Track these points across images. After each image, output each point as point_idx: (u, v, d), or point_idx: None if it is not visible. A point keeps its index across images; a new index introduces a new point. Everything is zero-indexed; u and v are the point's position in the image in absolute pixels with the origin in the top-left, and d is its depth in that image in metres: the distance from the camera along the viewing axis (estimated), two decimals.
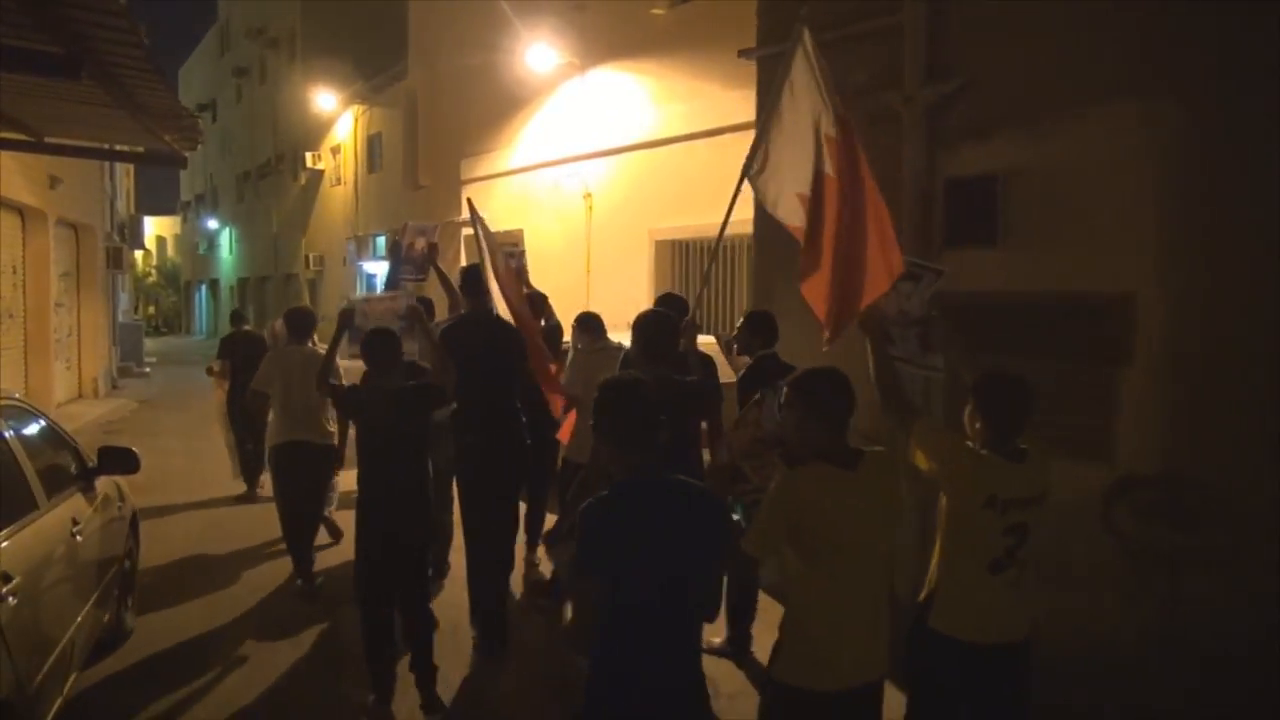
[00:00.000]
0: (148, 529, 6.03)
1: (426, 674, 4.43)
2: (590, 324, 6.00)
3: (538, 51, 12.75)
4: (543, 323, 6.25)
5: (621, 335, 5.34)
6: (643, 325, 4.17)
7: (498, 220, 14.54)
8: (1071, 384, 4.62)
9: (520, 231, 13.65)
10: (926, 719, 3.12)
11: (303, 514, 6.27)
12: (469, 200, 6.85)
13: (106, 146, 8.80)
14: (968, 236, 5.07)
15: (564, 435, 5.78)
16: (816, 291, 3.91)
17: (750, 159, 4.32)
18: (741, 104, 10.51)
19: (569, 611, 2.59)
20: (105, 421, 14.16)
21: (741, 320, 5.21)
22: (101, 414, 14.63)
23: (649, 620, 2.44)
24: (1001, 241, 4.92)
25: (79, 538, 4.11)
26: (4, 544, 3.35)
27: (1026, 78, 4.82)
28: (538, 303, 6.33)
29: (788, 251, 6.26)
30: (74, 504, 4.29)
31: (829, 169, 3.92)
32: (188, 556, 7.03)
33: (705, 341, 5.03)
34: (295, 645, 5.28)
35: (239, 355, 8.68)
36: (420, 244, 6.42)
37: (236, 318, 9.84)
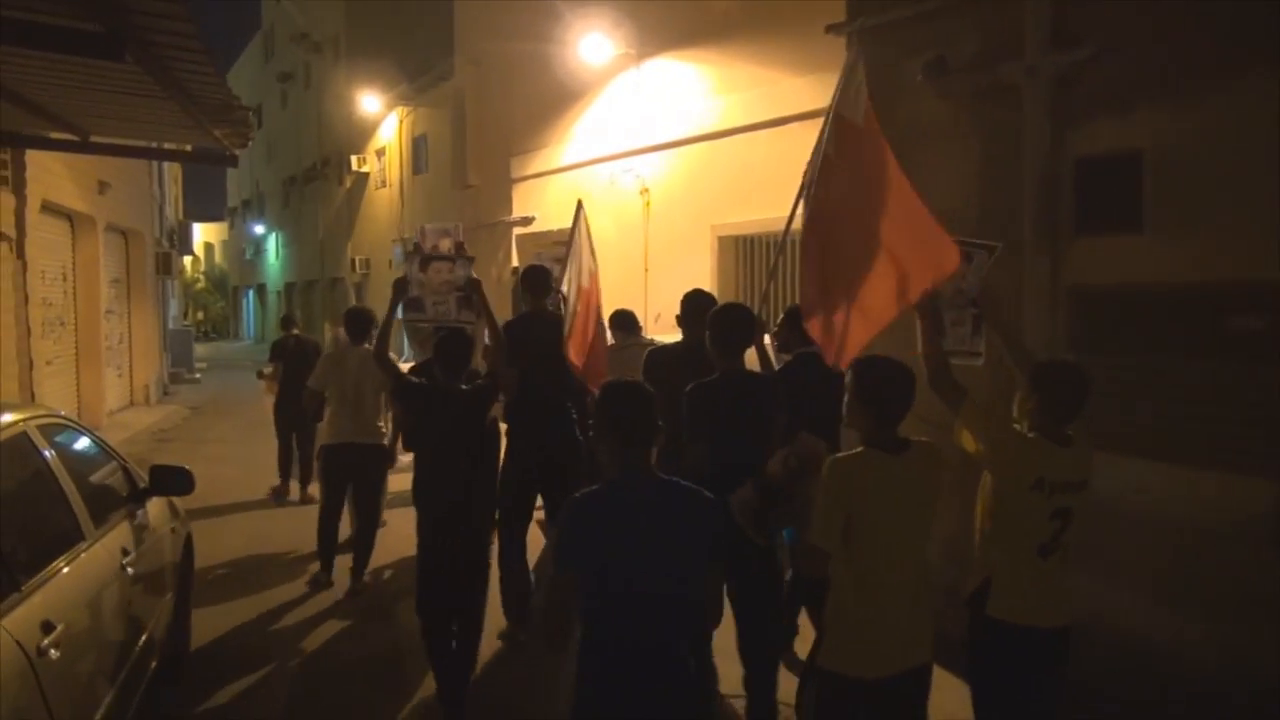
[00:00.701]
0: (198, 533, 5.89)
1: (463, 679, 4.36)
2: (625, 321, 6.08)
3: (591, 43, 12.29)
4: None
5: (677, 334, 5.18)
6: (717, 319, 4.06)
7: (550, 218, 14.15)
8: (1233, 386, 4.06)
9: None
10: (997, 708, 3.08)
11: (362, 515, 6.42)
12: (579, 202, 6.36)
13: (154, 145, 8.50)
14: (1105, 222, 4.52)
15: None
16: (814, 308, 3.96)
17: (812, 164, 4.31)
18: (807, 91, 9.97)
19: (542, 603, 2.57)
20: (157, 429, 13.98)
21: (783, 315, 5.08)
22: (154, 421, 14.47)
23: (634, 620, 2.41)
24: (1147, 227, 4.35)
25: (130, 570, 3.72)
26: (46, 585, 2.95)
27: (1171, 43, 4.26)
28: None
29: None
30: (123, 531, 3.90)
31: (831, 149, 3.97)
32: (238, 558, 7.09)
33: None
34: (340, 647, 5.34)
35: (289, 359, 8.84)
36: (446, 244, 5.80)
37: (287, 322, 9.89)
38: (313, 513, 6.75)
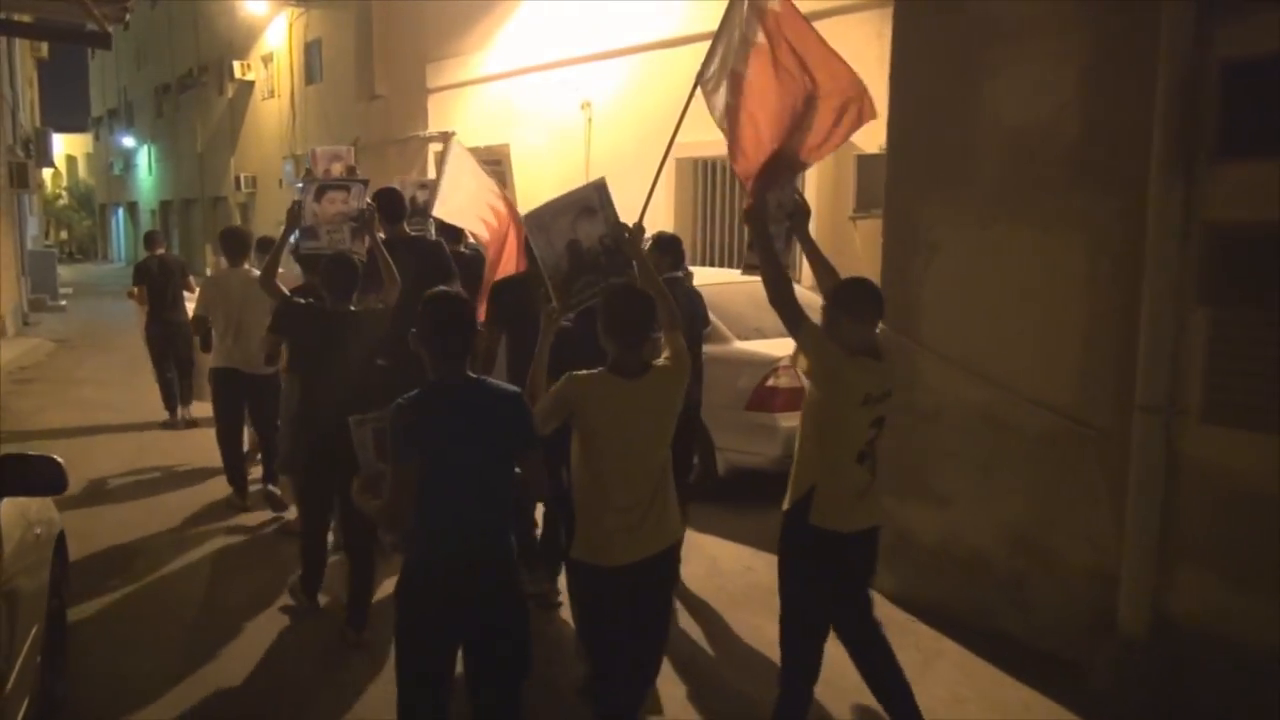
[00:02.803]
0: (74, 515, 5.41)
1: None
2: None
3: None
4: (463, 248, 6.22)
5: None
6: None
7: (475, 135, 12.69)
8: None
9: (505, 148, 11.85)
10: (799, 606, 3.29)
11: (261, 434, 6.50)
12: (451, 135, 5.77)
13: (2, 16, 6.70)
14: (1255, 143, 3.61)
15: None
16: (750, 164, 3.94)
17: (704, 67, 4.16)
18: None
19: (384, 494, 2.82)
20: (16, 368, 12.15)
21: (650, 240, 4.88)
22: (12, 358, 12.58)
23: (456, 497, 2.76)
24: None
25: None
26: None
27: None
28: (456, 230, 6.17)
29: (946, 173, 4.79)
30: None
31: (759, 37, 3.92)
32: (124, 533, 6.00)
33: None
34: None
35: (154, 280, 8.65)
36: (339, 168, 5.69)
37: (149, 240, 9.56)
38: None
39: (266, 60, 24.63)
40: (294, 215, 4.90)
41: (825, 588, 3.26)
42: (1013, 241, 4.43)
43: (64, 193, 45.28)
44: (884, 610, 3.89)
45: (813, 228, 8.38)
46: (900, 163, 5.10)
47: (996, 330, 4.55)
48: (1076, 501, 4.19)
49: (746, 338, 6.57)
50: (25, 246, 19.19)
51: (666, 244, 5.19)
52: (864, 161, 7.71)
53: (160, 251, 9.11)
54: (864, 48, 8.14)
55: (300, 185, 5.56)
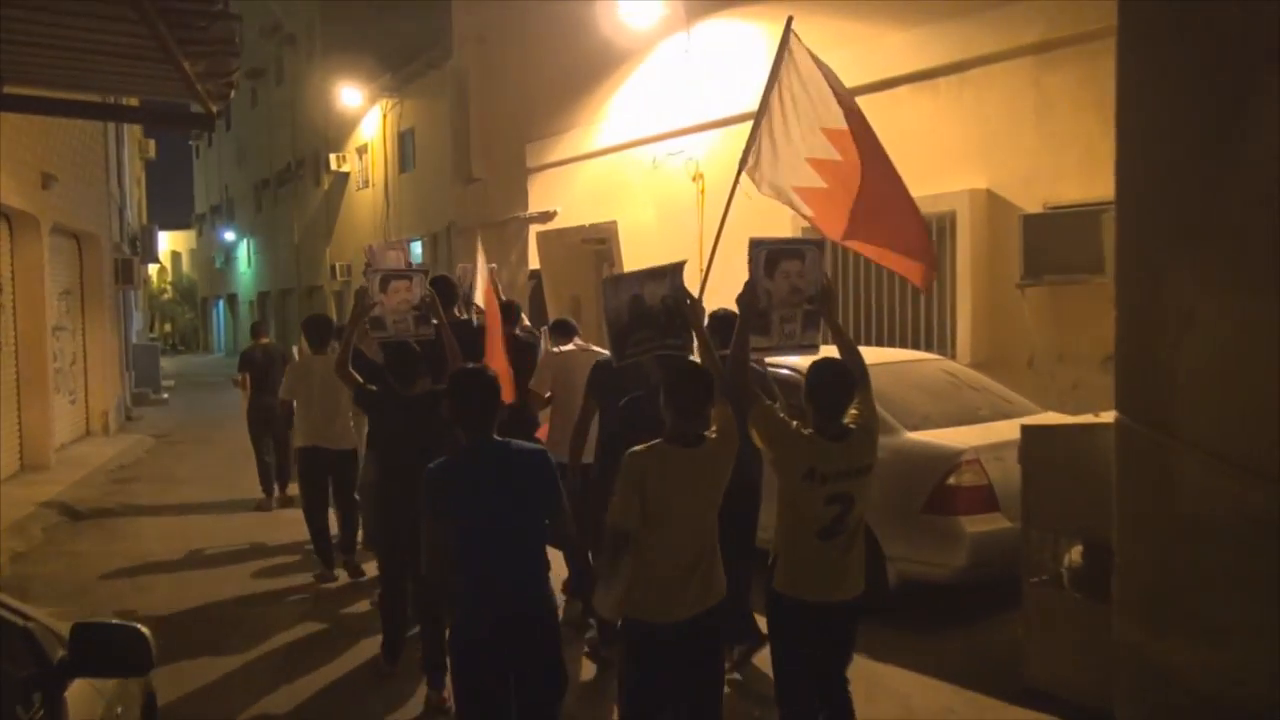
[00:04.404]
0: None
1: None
2: (563, 328, 6.28)
3: (630, 4, 10.40)
4: (517, 332, 6.48)
5: None
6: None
7: (579, 214, 12.20)
8: None
9: (612, 225, 11.29)
10: (781, 666, 3.54)
11: (341, 510, 6.80)
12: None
13: (109, 100, 6.29)
14: None
15: (543, 435, 5.96)
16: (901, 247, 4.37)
17: (746, 152, 4.34)
18: (913, 47, 8.18)
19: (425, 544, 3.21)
20: (116, 466, 11.87)
21: (709, 318, 4.73)
22: (112, 456, 12.36)
23: (491, 554, 3.08)
24: None
25: None
26: None
27: None
28: (512, 311, 6.59)
29: (1202, 227, 3.92)
30: None
31: (836, 155, 4.21)
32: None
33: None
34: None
35: (257, 368, 9.05)
36: (393, 256, 6.14)
37: (255, 330, 10.19)
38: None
39: (361, 151, 25.02)
40: (362, 299, 5.25)
41: (790, 649, 3.51)
42: None
43: (169, 287, 46.88)
44: None
45: (967, 297, 7.58)
46: (1138, 217, 4.22)
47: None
48: None
49: (916, 427, 5.69)
50: (130, 340, 19.38)
51: (717, 323, 4.73)
52: (1031, 223, 6.83)
53: (264, 340, 9.62)
54: (1017, 97, 7.37)
55: (365, 274, 5.80)
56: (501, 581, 3.06)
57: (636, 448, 3.19)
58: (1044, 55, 7.09)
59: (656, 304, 3.92)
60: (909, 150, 8.32)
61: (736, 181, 4.16)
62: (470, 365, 3.58)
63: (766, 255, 3.87)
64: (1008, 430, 5.75)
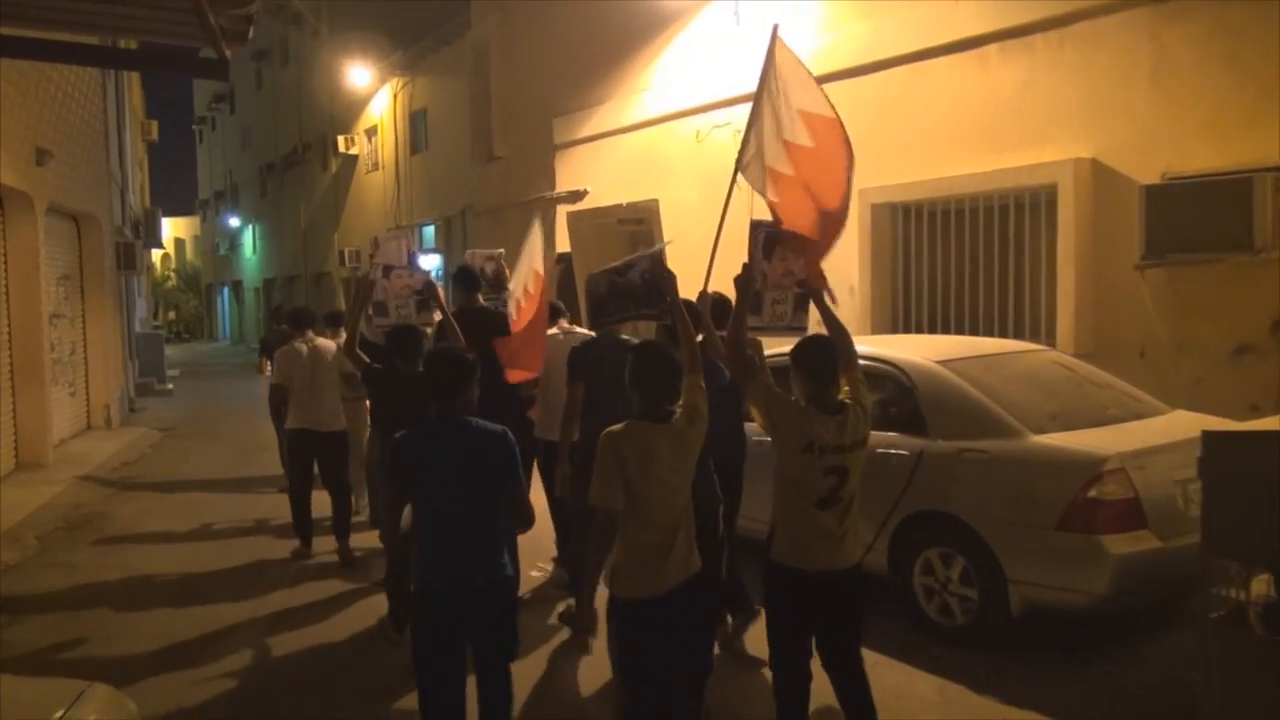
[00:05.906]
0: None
1: None
2: (553, 310, 6.16)
3: None
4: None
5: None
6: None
7: (613, 192, 11.37)
8: None
9: (653, 204, 10.48)
10: (778, 636, 3.62)
11: (332, 492, 6.91)
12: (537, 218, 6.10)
13: (107, 43, 5.42)
14: None
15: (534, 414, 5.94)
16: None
17: (742, 150, 4.13)
18: (986, 9, 7.36)
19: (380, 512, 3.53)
20: (119, 463, 11.10)
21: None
22: (114, 452, 11.60)
23: (450, 525, 3.29)
24: None
25: None
26: None
27: None
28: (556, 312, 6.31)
29: None
30: None
31: (806, 140, 4.07)
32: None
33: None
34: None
35: (274, 351, 8.92)
36: (394, 246, 5.97)
37: (277, 314, 10.85)
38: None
39: (370, 133, 24.21)
40: (363, 287, 5.52)
41: (786, 618, 3.58)
42: None
43: (173, 274, 46.13)
44: None
45: (1070, 279, 6.77)
46: None
47: None
48: None
49: (1042, 429, 4.90)
50: (133, 329, 18.62)
51: (712, 306, 4.43)
52: (1155, 194, 6.00)
53: (284, 326, 9.42)
54: (1130, 54, 6.54)
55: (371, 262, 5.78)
56: (455, 549, 3.28)
57: (611, 428, 3.28)
58: (1162, 5, 6.26)
59: (635, 279, 4.30)
60: (997, 118, 7.44)
61: (734, 182, 4.10)
62: (446, 346, 4.00)
63: (765, 237, 4.01)
64: (1145, 433, 4.98)
